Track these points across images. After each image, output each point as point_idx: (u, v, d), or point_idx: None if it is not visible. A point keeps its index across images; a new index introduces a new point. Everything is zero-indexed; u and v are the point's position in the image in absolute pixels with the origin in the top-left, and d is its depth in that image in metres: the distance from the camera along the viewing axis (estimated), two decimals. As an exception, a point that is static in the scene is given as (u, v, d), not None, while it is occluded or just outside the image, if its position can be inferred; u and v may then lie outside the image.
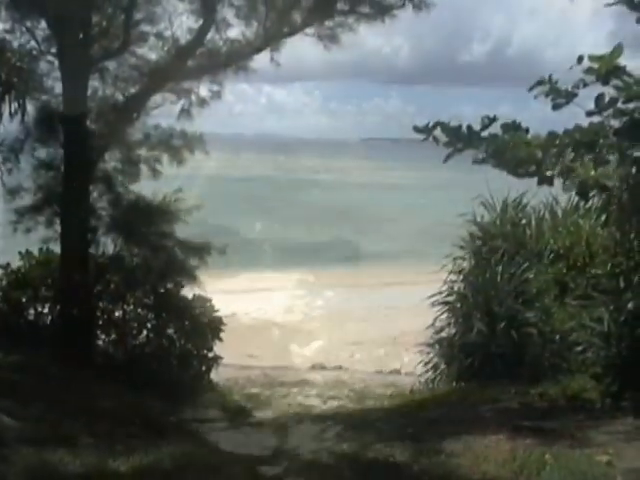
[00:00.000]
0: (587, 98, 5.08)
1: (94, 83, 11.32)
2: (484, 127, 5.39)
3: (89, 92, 11.16)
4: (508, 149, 5.29)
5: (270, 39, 11.09)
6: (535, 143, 5.30)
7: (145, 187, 11.86)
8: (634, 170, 5.35)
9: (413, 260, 33.31)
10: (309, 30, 11.21)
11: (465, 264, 12.26)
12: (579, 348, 8.94)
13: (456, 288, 11.87)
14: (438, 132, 5.37)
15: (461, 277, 12.03)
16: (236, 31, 11.34)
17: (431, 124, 5.41)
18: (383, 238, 45.93)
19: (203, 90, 11.80)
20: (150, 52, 11.54)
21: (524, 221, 12.41)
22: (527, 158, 5.29)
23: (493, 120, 5.39)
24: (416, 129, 5.42)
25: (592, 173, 5.07)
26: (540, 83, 5.20)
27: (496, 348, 10.15)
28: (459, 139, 5.33)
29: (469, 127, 5.36)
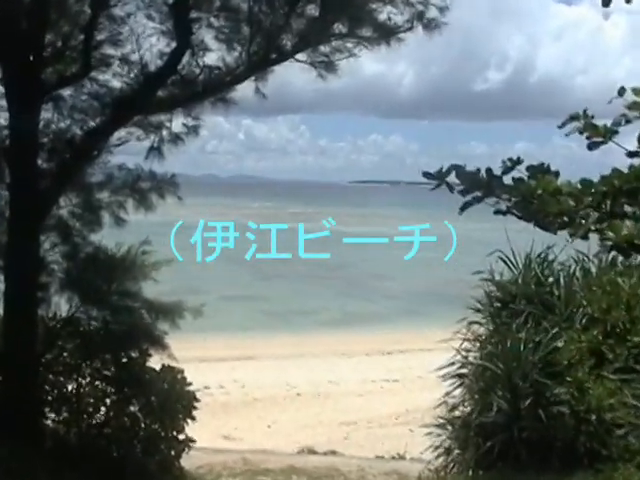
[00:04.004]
0: (626, 134, 5.12)
1: (47, 114, 11.33)
2: (506, 171, 5.41)
3: (41, 125, 11.17)
4: (535, 198, 5.30)
5: (255, 66, 11.09)
6: (566, 191, 5.32)
7: (107, 237, 11.82)
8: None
9: (418, 324, 33.32)
10: (300, 56, 11.22)
11: (482, 330, 12.24)
12: (620, 431, 8.91)
13: (471, 358, 11.82)
14: (452, 177, 5.39)
15: (477, 345, 12.00)
16: (215, 56, 11.37)
17: (444, 168, 5.43)
18: (382, 298, 45.87)
19: (176, 125, 11.78)
20: (114, 79, 11.55)
21: (551, 279, 12.40)
22: (558, 209, 5.30)
23: (517, 163, 5.41)
24: (426, 175, 5.43)
25: (624, 232, 5.08)
26: (574, 118, 5.23)
27: (520, 430, 10.09)
28: (477, 186, 5.35)
29: (489, 171, 5.38)
